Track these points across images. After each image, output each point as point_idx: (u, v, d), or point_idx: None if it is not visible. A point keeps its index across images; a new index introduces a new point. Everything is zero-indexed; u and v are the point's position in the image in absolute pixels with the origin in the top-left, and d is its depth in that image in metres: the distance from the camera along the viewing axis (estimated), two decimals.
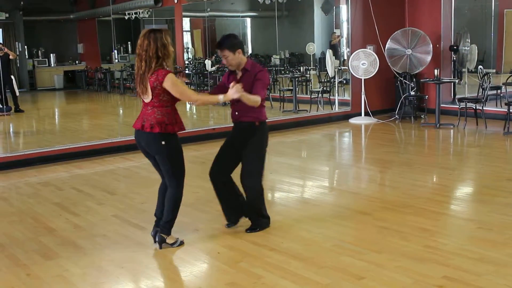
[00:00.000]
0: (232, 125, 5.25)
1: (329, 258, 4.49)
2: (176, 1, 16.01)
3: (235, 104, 5.03)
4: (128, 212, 5.94)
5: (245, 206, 5.27)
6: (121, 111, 15.70)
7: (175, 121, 4.72)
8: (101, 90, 18.08)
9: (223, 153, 5.25)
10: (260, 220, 5.25)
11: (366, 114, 11.56)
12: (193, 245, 4.97)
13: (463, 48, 12.19)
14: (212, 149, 9.22)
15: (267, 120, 5.18)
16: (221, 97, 4.75)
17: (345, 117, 11.84)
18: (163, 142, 4.67)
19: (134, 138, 4.88)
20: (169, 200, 4.84)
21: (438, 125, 10.53)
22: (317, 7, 15.76)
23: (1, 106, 12.56)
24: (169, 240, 4.89)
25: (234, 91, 4.69)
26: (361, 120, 11.49)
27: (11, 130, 11.35)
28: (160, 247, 4.86)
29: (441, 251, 4.56)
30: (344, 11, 12.34)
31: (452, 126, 10.55)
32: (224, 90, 4.95)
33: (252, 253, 4.66)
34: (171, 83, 4.57)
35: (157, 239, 4.88)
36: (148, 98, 4.68)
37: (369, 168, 8.09)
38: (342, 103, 12.43)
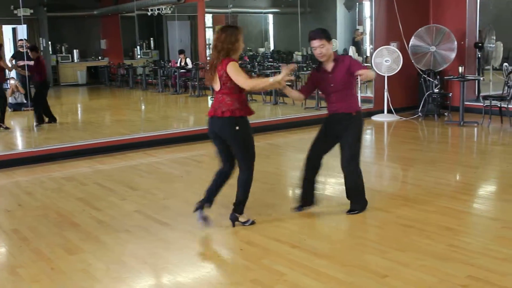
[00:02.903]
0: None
1: (352, 256, 4.47)
2: None
3: (330, 96, 5.36)
4: (150, 208, 5.96)
5: (348, 189, 5.60)
6: (143, 107, 15.76)
7: (243, 106, 5.02)
8: (124, 86, 18.18)
9: (319, 141, 5.54)
10: (359, 203, 5.54)
11: (389, 111, 11.48)
12: (216, 241, 4.98)
13: (488, 45, 12.05)
14: None
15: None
16: (271, 79, 5.04)
17: (368, 114, 11.75)
18: (237, 127, 4.99)
19: (207, 126, 5.23)
20: (241, 182, 5.16)
21: (462, 123, 10.43)
22: (340, 4, 15.69)
23: (25, 101, 12.70)
24: (241, 219, 5.22)
25: (284, 75, 4.91)
26: (384, 118, 11.41)
27: (34, 125, 11.44)
28: (233, 225, 5.19)
29: (466, 250, 4.51)
30: (367, 8, 12.30)
31: (476, 124, 10.43)
32: (313, 89, 5.62)
33: (275, 250, 4.65)
34: (231, 69, 4.90)
35: (230, 217, 5.21)
36: (217, 87, 5.04)
37: (391, 166, 8.04)
38: (365, 100, 12.34)
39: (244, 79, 4.92)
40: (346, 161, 5.45)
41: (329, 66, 5.33)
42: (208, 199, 5.27)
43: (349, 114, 5.34)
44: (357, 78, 5.37)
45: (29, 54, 11.54)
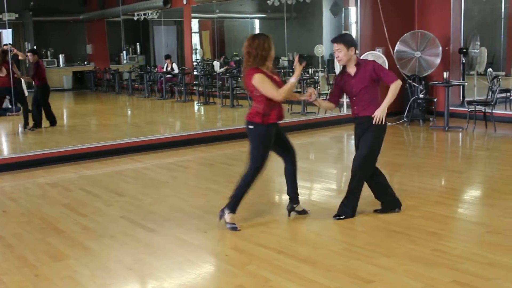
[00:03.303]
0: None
1: (338, 262, 4.48)
2: (185, 2, 16.03)
3: (353, 99, 5.49)
4: (136, 214, 5.94)
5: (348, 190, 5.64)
6: (129, 112, 15.72)
7: (267, 113, 5.18)
8: (110, 91, 18.13)
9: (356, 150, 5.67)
10: (349, 208, 5.55)
11: None
12: (201, 247, 4.97)
13: (473, 50, 12.15)
14: (220, 151, 9.27)
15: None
16: (293, 79, 5.19)
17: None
18: (250, 126, 5.23)
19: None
20: (241, 178, 5.34)
21: (447, 128, 10.50)
22: (326, 9, 15.75)
23: (11, 106, 12.63)
24: (227, 218, 5.31)
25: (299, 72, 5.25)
26: None
27: (19, 130, 11.38)
28: (219, 219, 5.35)
29: (450, 255, 4.54)
30: (353, 13, 12.34)
31: (461, 129, 10.51)
32: (340, 94, 5.68)
33: (260, 256, 4.65)
34: (257, 83, 5.12)
35: (219, 212, 5.37)
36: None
37: None
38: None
39: (274, 92, 5.10)
40: (357, 162, 5.52)
41: (352, 70, 5.45)
42: (292, 198, 5.65)
43: (369, 116, 5.41)
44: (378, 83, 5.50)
45: (28, 58, 11.56)
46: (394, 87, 5.36)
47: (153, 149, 9.34)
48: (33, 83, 11.63)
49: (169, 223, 5.55)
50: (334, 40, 5.42)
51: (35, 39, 17.04)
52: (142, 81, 17.64)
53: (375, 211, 5.68)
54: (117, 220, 5.76)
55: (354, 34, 12.97)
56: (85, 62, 18.44)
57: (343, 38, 5.43)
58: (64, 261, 4.69)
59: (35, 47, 12.17)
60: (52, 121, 11.61)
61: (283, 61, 15.81)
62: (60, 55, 17.96)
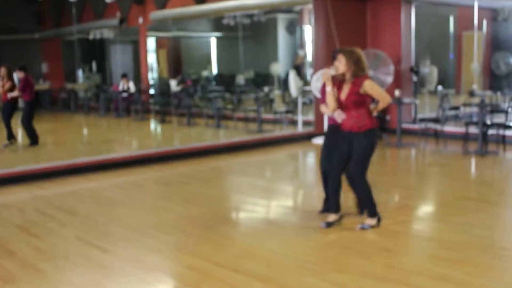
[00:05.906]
0: None
1: (292, 279, 4.52)
2: (141, 21, 16.03)
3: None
4: (91, 234, 5.89)
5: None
6: (85, 131, 15.58)
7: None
8: (65, 109, 17.95)
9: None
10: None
11: None
12: (156, 266, 4.96)
13: (423, 69, 12.45)
14: (176, 170, 9.25)
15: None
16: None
17: (309, 137, 11.94)
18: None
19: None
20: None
21: (399, 145, 10.70)
22: (281, 28, 15.92)
23: None
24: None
25: None
26: None
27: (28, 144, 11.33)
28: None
29: (402, 270, 4.63)
30: (308, 31, 12.51)
31: (413, 146, 10.72)
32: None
33: (215, 274, 4.67)
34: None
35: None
36: None
37: None
38: (306, 123, 12.53)
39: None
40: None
41: None
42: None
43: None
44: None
45: (17, 73, 11.59)
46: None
47: (109, 168, 9.27)
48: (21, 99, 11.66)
49: (124, 243, 5.53)
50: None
51: None
52: (98, 100, 17.53)
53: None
54: (71, 241, 5.71)
55: (309, 53, 13.18)
56: (40, 81, 18.24)
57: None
58: (15, 284, 4.62)
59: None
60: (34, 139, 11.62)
61: (240, 79, 15.91)
62: (14, 74, 17.72)
